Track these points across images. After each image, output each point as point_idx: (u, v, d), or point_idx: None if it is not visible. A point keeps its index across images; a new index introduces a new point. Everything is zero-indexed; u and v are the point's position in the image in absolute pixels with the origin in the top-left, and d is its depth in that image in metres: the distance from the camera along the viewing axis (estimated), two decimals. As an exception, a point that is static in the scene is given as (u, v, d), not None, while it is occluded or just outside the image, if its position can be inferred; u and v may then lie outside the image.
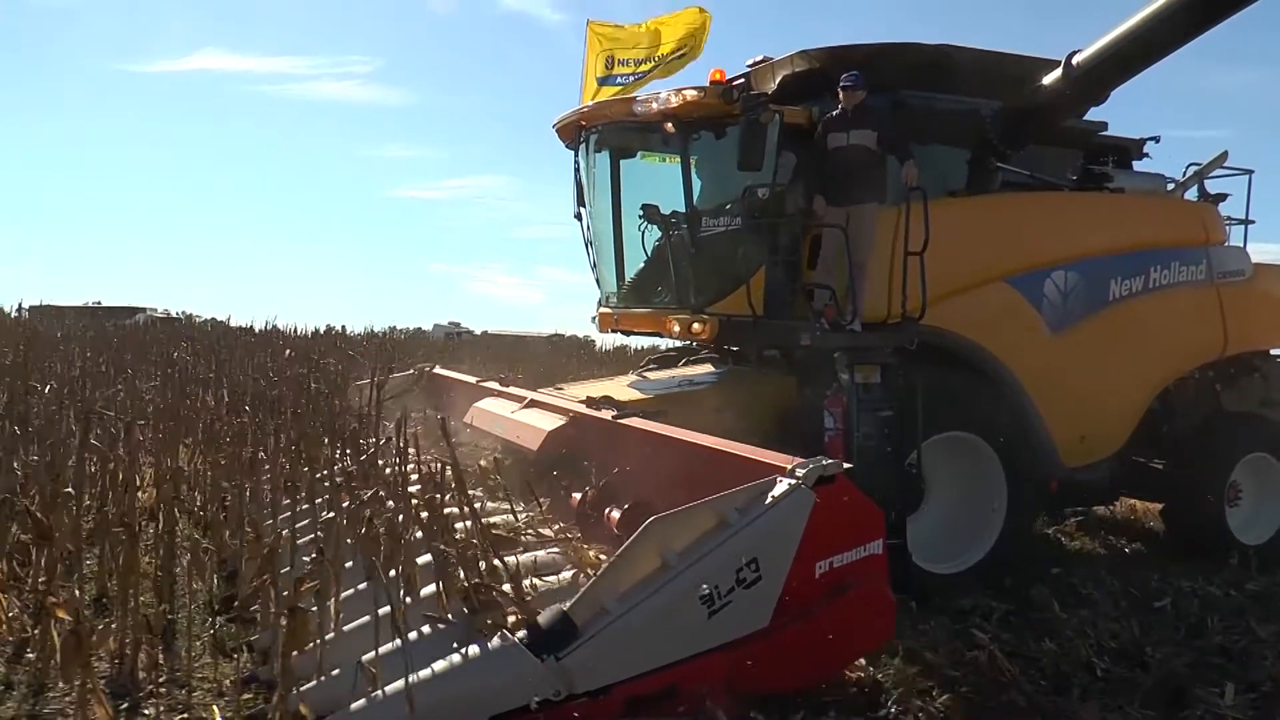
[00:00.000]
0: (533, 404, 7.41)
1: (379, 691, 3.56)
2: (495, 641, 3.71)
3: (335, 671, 3.82)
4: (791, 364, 7.57)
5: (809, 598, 4.16)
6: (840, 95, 6.95)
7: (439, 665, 3.67)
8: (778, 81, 7.89)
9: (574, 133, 8.16)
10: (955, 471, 6.88)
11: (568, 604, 3.83)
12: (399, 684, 3.55)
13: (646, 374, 8.83)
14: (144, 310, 34.45)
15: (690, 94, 6.87)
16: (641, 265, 8.03)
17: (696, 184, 7.71)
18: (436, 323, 35.64)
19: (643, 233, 8.35)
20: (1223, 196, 8.80)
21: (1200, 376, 8.78)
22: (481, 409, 7.92)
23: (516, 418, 7.21)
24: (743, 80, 6.82)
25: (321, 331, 24.75)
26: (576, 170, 8.54)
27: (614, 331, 8.63)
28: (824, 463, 4.20)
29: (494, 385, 8.49)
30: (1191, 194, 8.93)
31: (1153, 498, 8.82)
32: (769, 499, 4.07)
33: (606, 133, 7.98)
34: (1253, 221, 9.05)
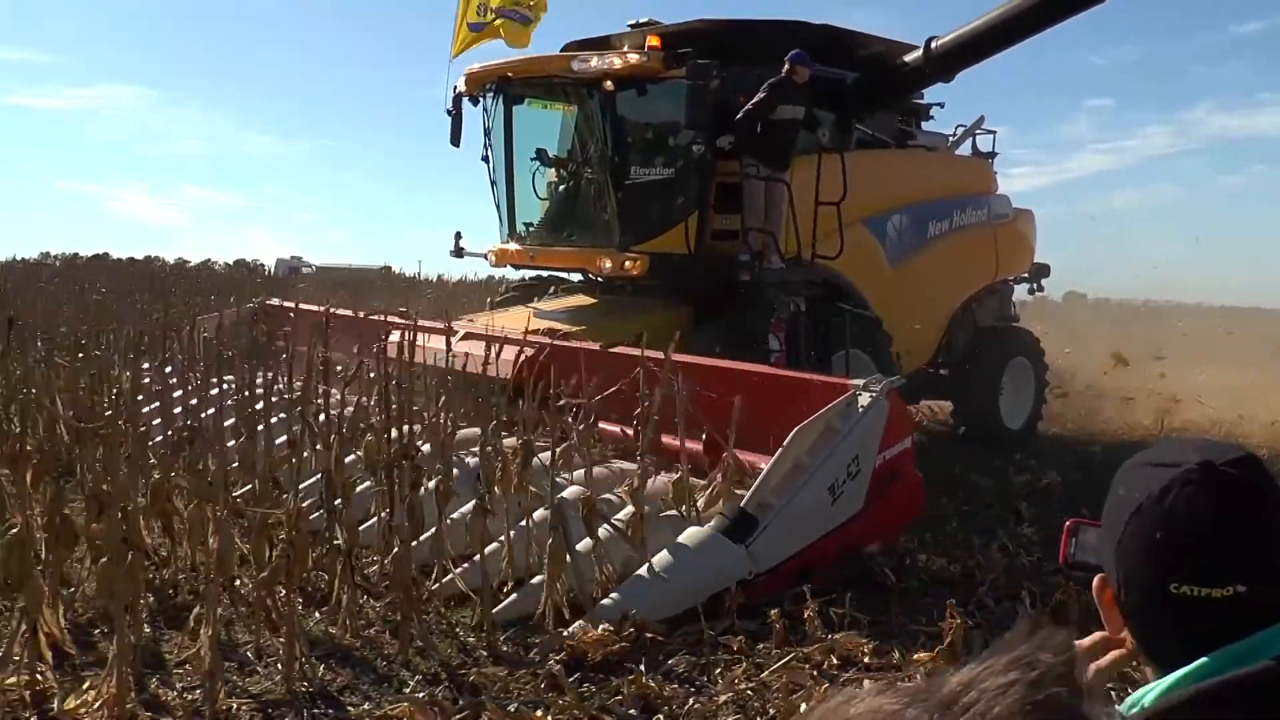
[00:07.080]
0: (470, 336, 7.75)
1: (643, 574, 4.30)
2: (704, 534, 4.52)
3: None
4: (684, 296, 8.49)
5: (879, 484, 5.29)
6: (794, 71, 7.81)
7: (662, 558, 4.43)
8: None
9: (487, 83, 8.51)
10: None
11: (742, 501, 4.71)
12: (642, 572, 4.30)
13: (539, 305, 9.33)
14: None
15: (634, 57, 7.56)
16: (556, 206, 8.62)
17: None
18: (279, 258, 35.35)
19: (534, 175, 8.96)
20: (994, 154, 10.87)
21: (969, 300, 10.88)
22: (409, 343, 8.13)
23: (465, 349, 7.55)
24: (689, 49, 7.58)
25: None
26: (465, 113, 8.91)
27: (518, 267, 9.13)
28: (889, 379, 5.32)
29: (395, 320, 8.63)
30: (964, 149, 10.94)
31: (942, 398, 10.86)
32: (859, 409, 5.13)
33: (520, 84, 8.42)
34: (998, 173, 11.28)
